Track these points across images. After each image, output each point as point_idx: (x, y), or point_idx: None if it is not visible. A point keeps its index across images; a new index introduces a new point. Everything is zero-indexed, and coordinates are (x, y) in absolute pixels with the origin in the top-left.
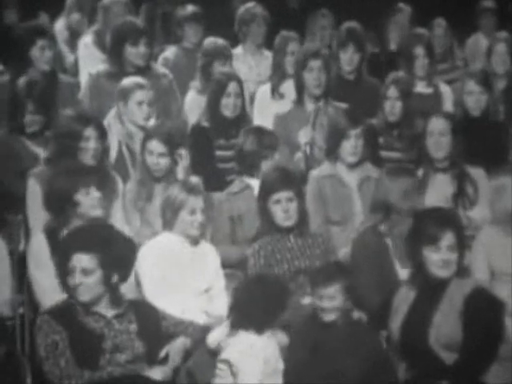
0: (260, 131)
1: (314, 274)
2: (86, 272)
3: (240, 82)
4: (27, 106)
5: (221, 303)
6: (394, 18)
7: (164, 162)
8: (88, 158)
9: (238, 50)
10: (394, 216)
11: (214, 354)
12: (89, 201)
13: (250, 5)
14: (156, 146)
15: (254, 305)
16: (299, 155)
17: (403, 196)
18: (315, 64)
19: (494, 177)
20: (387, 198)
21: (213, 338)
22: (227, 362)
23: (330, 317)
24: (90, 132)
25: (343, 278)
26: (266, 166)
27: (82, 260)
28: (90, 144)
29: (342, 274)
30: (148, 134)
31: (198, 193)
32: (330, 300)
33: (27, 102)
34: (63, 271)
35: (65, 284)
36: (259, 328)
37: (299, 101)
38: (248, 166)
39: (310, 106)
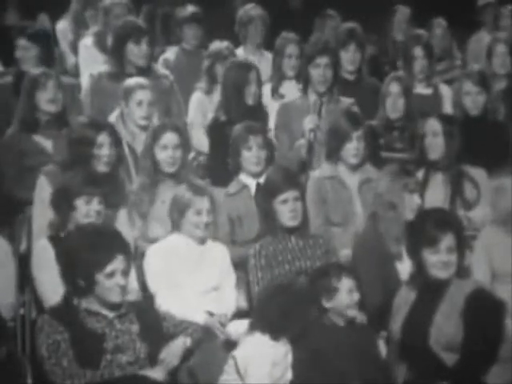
0: (249, 124)
1: (339, 268)
2: (125, 273)
3: (258, 71)
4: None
5: (228, 302)
6: (393, 19)
7: (179, 154)
8: (101, 164)
9: (239, 52)
10: (379, 209)
11: (230, 347)
12: (86, 210)
13: (248, 6)
14: (171, 137)
15: (275, 312)
16: (301, 142)
17: (388, 190)
18: (322, 60)
19: (495, 177)
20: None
21: (234, 329)
22: (235, 359)
23: (354, 312)
24: (103, 138)
25: None
26: (246, 155)
27: (123, 261)
28: (103, 151)
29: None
30: (159, 129)
31: (203, 194)
32: (357, 292)
33: (37, 92)
34: (98, 272)
35: (73, 285)
36: (275, 334)
37: (304, 92)
38: (232, 154)
39: (313, 97)
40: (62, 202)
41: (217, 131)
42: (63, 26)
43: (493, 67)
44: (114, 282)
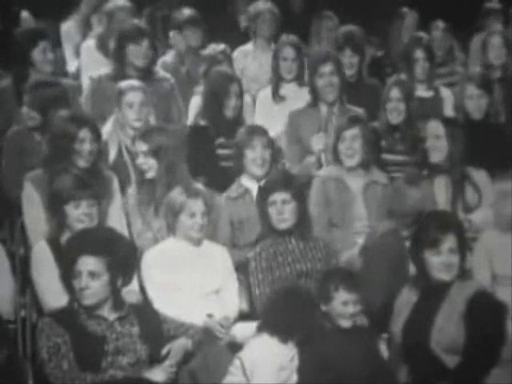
0: (252, 125)
1: (340, 279)
2: (93, 275)
3: (240, 83)
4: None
5: (230, 305)
6: (398, 22)
7: (151, 161)
8: (82, 160)
9: (249, 47)
10: (408, 220)
11: (233, 349)
12: (76, 214)
13: (257, 2)
14: (139, 145)
15: (283, 315)
16: (312, 159)
17: (419, 201)
18: (325, 69)
19: (498, 180)
20: (405, 204)
21: (240, 331)
22: (242, 360)
23: (348, 323)
24: (84, 133)
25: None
26: (251, 155)
27: (90, 263)
28: (84, 146)
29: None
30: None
31: (197, 196)
32: (355, 305)
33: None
34: (68, 274)
35: (69, 287)
36: (284, 337)
37: (314, 104)
38: (236, 156)
39: (324, 109)
40: (54, 208)
41: (197, 133)
42: (68, 28)
43: (488, 58)
44: (77, 283)
